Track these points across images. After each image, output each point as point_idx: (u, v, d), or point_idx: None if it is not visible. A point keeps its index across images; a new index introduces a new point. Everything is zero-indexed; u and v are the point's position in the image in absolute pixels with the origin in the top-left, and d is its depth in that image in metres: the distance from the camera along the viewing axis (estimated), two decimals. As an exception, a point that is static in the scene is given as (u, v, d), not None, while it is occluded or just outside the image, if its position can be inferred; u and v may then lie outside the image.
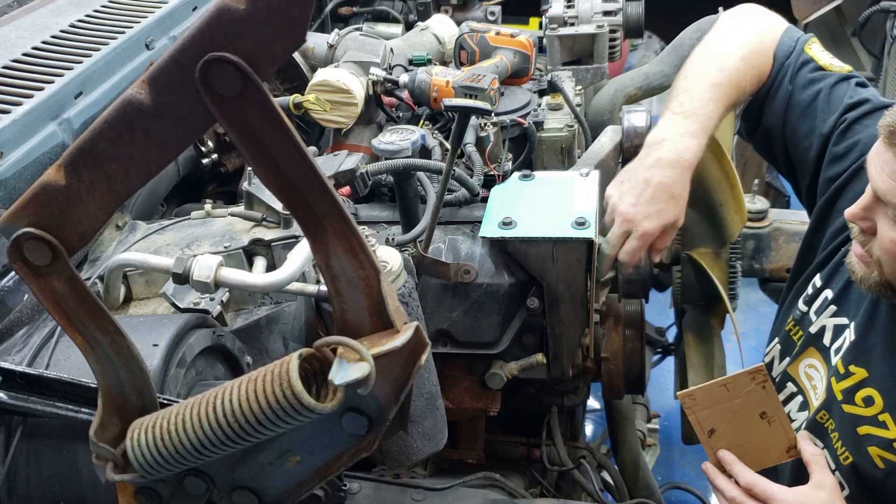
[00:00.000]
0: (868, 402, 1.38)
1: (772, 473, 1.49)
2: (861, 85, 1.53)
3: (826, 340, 1.49)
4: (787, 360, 1.59)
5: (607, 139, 1.87)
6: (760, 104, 1.60)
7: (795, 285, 1.63)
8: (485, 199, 1.67)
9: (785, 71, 1.56)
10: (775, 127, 1.59)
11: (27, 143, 1.46)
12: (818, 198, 1.56)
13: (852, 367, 1.41)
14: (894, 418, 1.35)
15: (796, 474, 1.48)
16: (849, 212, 1.29)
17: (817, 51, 1.57)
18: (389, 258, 1.25)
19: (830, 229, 1.53)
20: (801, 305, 1.57)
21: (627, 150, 1.86)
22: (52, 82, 1.56)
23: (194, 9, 2.03)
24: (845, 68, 1.56)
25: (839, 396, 1.43)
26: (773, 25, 1.62)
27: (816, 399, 1.51)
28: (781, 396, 1.60)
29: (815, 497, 1.34)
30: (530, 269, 1.56)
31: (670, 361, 2.75)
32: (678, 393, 1.43)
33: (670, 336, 2.81)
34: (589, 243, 1.53)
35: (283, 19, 0.65)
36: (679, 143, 1.51)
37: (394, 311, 0.81)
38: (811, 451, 1.41)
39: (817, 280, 1.55)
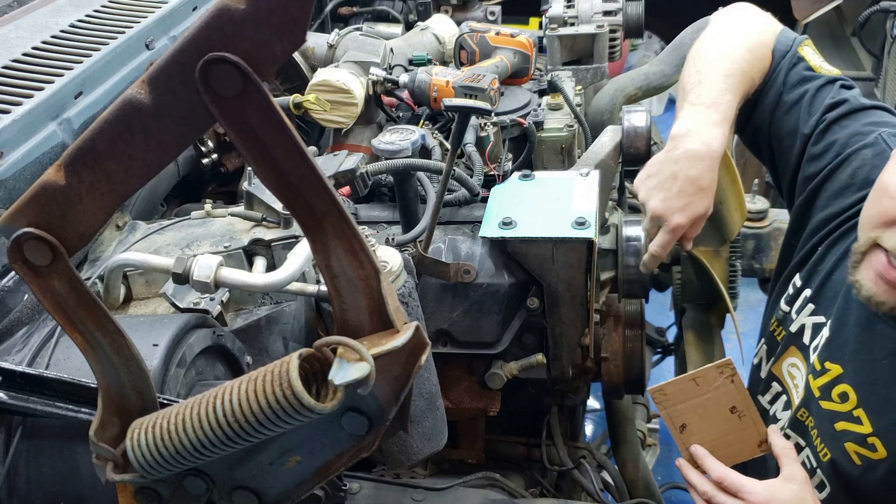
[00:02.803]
0: (843, 398, 1.40)
1: (761, 468, 1.50)
2: (846, 87, 1.55)
3: (805, 339, 1.50)
4: (772, 360, 1.60)
5: (607, 139, 1.87)
6: (754, 100, 1.61)
7: (777, 285, 1.64)
8: (485, 199, 1.67)
9: (779, 70, 1.57)
10: (763, 124, 1.61)
11: (27, 143, 1.46)
12: (796, 197, 1.57)
13: (828, 364, 1.43)
14: (868, 414, 1.36)
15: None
16: None
17: (809, 53, 1.58)
18: (389, 258, 1.25)
19: (808, 228, 1.54)
20: (783, 305, 1.59)
21: (627, 151, 1.86)
22: (52, 82, 1.56)
23: (194, 9, 2.03)
24: (834, 71, 1.57)
25: (816, 393, 1.45)
26: (769, 22, 1.63)
27: (797, 397, 1.52)
28: (768, 396, 1.61)
29: (784, 489, 1.34)
30: (530, 269, 1.56)
31: (670, 361, 2.75)
32: (649, 388, 1.44)
33: (670, 336, 2.81)
34: (589, 243, 1.53)
35: (283, 19, 0.65)
36: (706, 134, 1.49)
37: (394, 311, 0.81)
38: (781, 445, 1.42)
39: (797, 280, 1.56)
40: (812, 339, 1.49)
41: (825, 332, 1.45)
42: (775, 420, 1.57)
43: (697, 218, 1.52)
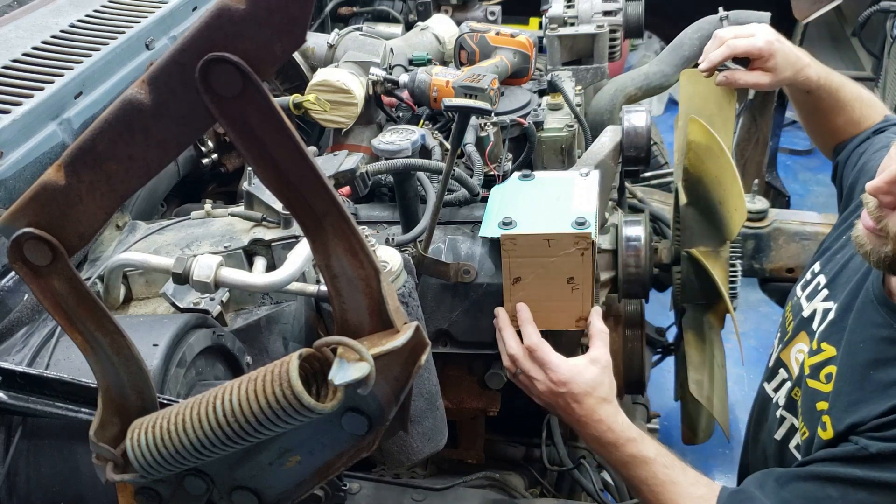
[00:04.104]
0: (828, 378, 1.40)
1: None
2: None
3: (815, 325, 1.51)
4: (781, 346, 1.61)
5: (607, 139, 1.87)
6: (852, 149, 1.71)
7: None
8: (485, 199, 1.67)
9: (879, 141, 1.66)
10: (849, 171, 1.70)
11: (27, 143, 1.46)
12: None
13: (824, 345, 1.44)
14: (834, 392, 1.37)
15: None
16: (872, 185, 1.26)
17: None
18: (389, 258, 1.25)
19: (835, 223, 1.58)
20: (798, 291, 1.60)
21: (627, 151, 1.86)
22: (52, 82, 1.56)
23: (194, 9, 2.03)
24: None
25: (807, 371, 1.46)
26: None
27: (795, 377, 1.53)
28: (773, 383, 1.61)
29: (587, 371, 1.42)
30: (530, 268, 1.56)
31: (670, 361, 2.75)
32: (502, 234, 1.44)
33: (670, 336, 2.81)
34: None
35: (283, 19, 0.65)
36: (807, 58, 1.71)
37: (394, 311, 0.81)
38: (598, 328, 1.48)
39: (816, 266, 1.58)
40: (820, 324, 1.50)
41: (831, 315, 1.46)
42: (777, 406, 1.57)
43: (776, 66, 1.66)
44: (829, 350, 1.42)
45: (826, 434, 1.34)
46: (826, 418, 1.35)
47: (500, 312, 1.52)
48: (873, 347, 1.32)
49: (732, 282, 1.93)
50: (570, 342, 1.64)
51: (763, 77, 1.67)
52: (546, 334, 1.51)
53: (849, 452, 1.26)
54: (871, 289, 1.37)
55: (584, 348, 1.55)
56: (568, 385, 1.41)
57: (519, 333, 1.49)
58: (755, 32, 1.67)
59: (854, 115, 1.71)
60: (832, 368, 1.40)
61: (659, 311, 2.80)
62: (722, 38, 1.70)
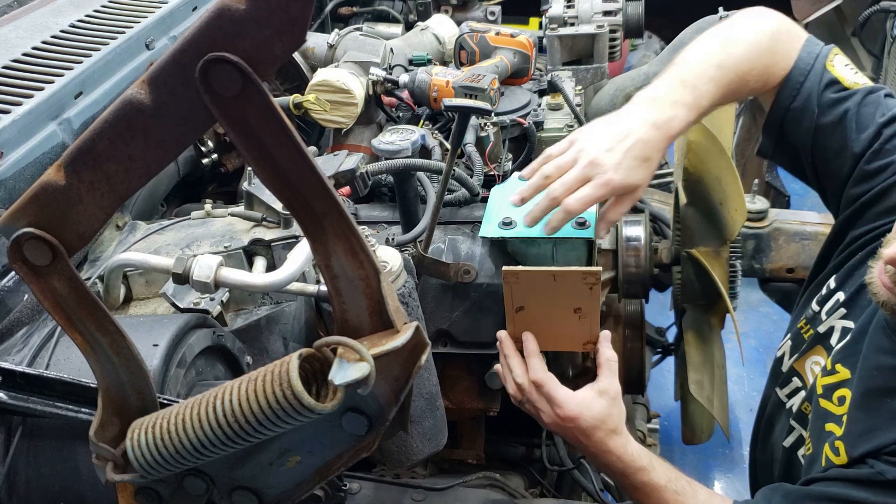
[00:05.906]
0: (841, 401, 1.39)
1: (769, 474, 1.49)
2: (889, 96, 1.48)
3: (833, 341, 1.50)
4: (796, 356, 1.60)
5: (607, 139, 1.86)
6: (780, 121, 1.55)
7: (811, 286, 1.64)
8: (485, 199, 1.67)
9: (808, 92, 1.50)
10: (804, 147, 1.55)
11: (27, 143, 1.46)
12: (842, 210, 1.54)
13: (839, 367, 1.42)
14: (849, 418, 1.35)
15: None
16: (891, 256, 1.21)
17: (840, 66, 1.51)
18: (389, 258, 1.25)
19: (850, 236, 1.52)
20: (814, 305, 1.58)
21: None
22: (52, 82, 1.56)
23: (194, 9, 2.03)
24: (869, 83, 1.50)
25: (819, 390, 1.44)
26: (791, 32, 1.55)
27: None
28: (787, 390, 1.61)
29: (595, 403, 1.36)
30: (530, 269, 1.56)
31: (670, 361, 2.75)
32: (504, 269, 1.34)
33: (670, 336, 2.81)
34: (589, 243, 1.53)
35: (283, 19, 0.66)
36: (670, 110, 1.41)
37: (394, 311, 0.81)
38: (607, 356, 1.42)
39: (832, 282, 1.55)
40: (839, 342, 1.48)
41: (848, 336, 1.44)
42: (790, 413, 1.57)
43: (629, 188, 1.39)
44: (844, 372, 1.41)
45: (839, 460, 1.32)
46: (839, 444, 1.34)
47: (504, 338, 1.44)
48: (887, 375, 1.31)
49: (732, 282, 1.92)
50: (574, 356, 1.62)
51: (634, 195, 1.41)
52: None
53: (863, 476, 1.25)
54: (885, 315, 1.35)
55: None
56: (576, 421, 1.36)
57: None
58: (588, 168, 1.37)
59: (755, 85, 1.50)
60: (846, 392, 1.38)
61: (659, 311, 2.79)
62: (547, 187, 1.40)
